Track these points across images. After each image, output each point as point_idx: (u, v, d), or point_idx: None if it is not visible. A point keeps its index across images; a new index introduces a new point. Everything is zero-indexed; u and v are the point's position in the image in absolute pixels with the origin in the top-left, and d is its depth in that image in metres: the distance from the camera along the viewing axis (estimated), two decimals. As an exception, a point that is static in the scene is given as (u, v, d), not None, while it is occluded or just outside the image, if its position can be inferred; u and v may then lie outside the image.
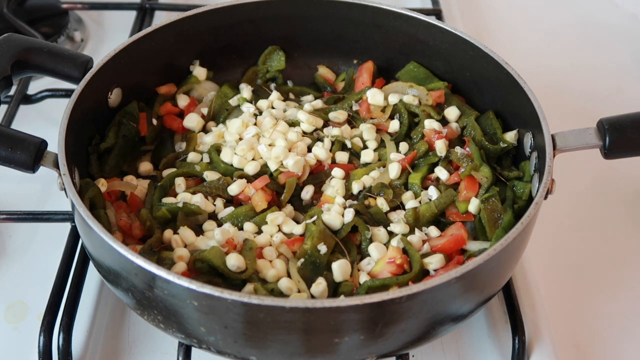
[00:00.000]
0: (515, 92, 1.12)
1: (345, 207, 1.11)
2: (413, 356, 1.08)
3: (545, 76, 1.58)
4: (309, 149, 1.19)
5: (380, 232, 1.08)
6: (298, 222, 1.10)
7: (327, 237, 1.05)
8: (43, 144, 0.99)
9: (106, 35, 1.72)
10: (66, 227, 1.17)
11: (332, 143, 1.21)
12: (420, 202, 1.13)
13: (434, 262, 1.02)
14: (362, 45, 1.33)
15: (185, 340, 0.94)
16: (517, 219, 0.95)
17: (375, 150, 1.22)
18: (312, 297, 0.99)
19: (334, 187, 1.14)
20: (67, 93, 1.39)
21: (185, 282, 0.82)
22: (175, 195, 1.12)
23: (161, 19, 1.60)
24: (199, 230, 1.08)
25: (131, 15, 1.68)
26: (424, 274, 1.02)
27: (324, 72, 1.37)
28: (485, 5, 1.89)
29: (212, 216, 1.11)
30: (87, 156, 1.13)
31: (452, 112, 1.23)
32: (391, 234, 1.09)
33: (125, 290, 0.93)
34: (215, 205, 1.11)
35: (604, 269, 1.24)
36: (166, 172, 1.16)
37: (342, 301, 0.82)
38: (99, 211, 1.05)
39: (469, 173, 1.13)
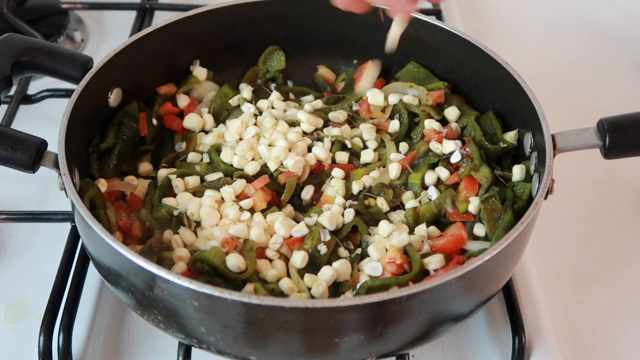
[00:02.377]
0: (515, 92, 1.12)
1: (345, 207, 1.11)
2: (413, 356, 1.08)
3: (545, 76, 1.58)
4: (309, 149, 1.19)
5: (380, 232, 1.08)
6: (298, 222, 1.10)
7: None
8: (43, 144, 0.99)
9: (106, 35, 1.72)
10: (66, 227, 1.17)
11: (332, 143, 1.21)
12: (420, 202, 1.14)
13: (433, 262, 1.02)
14: (362, 45, 1.33)
15: (185, 340, 0.94)
16: (517, 219, 0.95)
17: (375, 150, 1.22)
18: (312, 297, 0.99)
19: (333, 187, 1.14)
20: (67, 93, 1.39)
21: (185, 282, 0.82)
22: (175, 195, 1.12)
23: (161, 19, 1.60)
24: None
25: (131, 15, 1.68)
26: (424, 274, 1.02)
27: (324, 72, 1.37)
28: (485, 5, 1.89)
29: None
30: (87, 156, 1.13)
31: (452, 112, 1.23)
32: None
33: (125, 290, 0.93)
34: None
35: (604, 269, 1.24)
36: (164, 173, 1.16)
37: (342, 301, 0.82)
38: (99, 211, 1.05)
39: (468, 173, 1.13)
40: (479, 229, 1.09)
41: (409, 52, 1.30)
